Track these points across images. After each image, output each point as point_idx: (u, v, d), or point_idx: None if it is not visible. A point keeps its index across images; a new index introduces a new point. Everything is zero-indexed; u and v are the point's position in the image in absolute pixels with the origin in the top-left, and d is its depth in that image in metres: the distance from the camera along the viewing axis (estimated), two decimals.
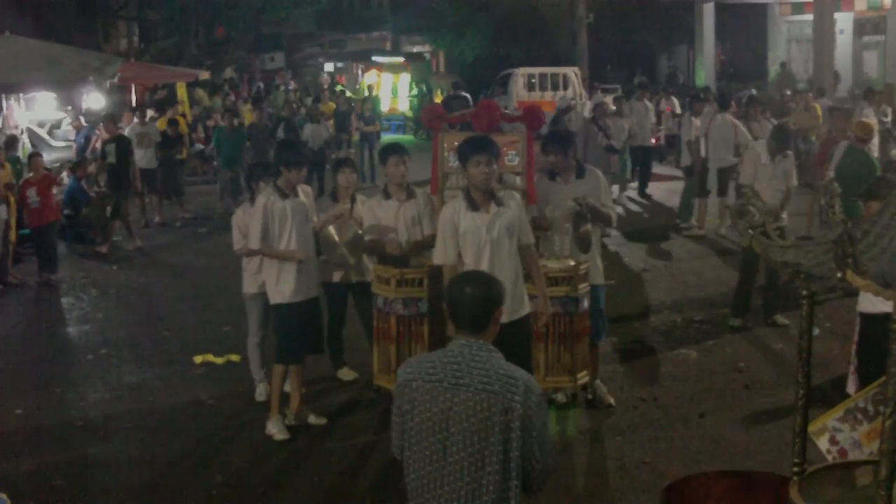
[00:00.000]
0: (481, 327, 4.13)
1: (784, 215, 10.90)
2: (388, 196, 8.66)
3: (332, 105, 26.34)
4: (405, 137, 34.15)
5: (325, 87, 36.77)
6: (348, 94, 35.25)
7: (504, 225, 6.95)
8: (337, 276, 9.13)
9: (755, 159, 11.15)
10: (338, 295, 9.29)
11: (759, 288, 11.16)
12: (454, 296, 4.22)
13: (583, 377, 8.22)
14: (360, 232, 8.69)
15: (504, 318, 6.92)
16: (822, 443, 5.27)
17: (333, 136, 22.90)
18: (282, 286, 8.09)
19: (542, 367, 7.90)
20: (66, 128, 24.29)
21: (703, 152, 16.33)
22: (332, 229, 8.55)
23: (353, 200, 9.08)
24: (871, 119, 14.80)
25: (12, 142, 17.24)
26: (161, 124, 21.83)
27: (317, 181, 19.57)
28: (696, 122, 16.77)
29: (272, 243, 8.03)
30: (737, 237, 14.23)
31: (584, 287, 7.99)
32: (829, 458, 5.38)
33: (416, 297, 8.11)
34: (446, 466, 3.97)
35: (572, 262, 8.03)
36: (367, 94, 35.24)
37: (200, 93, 33.50)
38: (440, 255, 7.16)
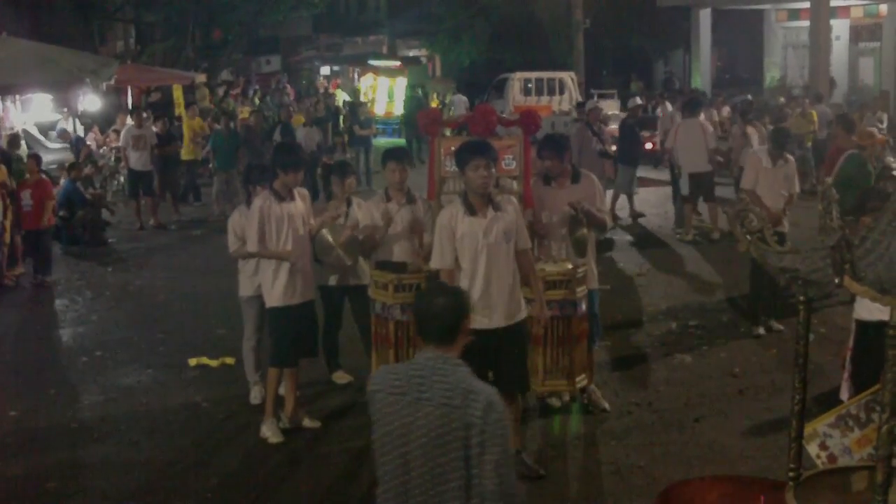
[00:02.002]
0: (449, 340, 4.09)
1: (785, 222, 10.89)
2: (388, 199, 8.64)
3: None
4: (400, 141, 34.15)
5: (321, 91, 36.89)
6: (346, 97, 35.31)
7: (501, 229, 6.95)
8: (333, 280, 9.12)
9: (756, 165, 11.08)
10: (334, 298, 9.29)
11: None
12: (422, 308, 4.18)
13: (581, 380, 8.22)
14: (355, 234, 8.68)
15: (501, 323, 7.00)
16: (812, 448, 5.28)
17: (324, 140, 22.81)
18: (277, 289, 8.09)
19: (541, 371, 7.91)
20: (61, 128, 24.29)
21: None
22: (327, 232, 8.54)
23: (349, 203, 9.08)
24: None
25: (13, 141, 17.22)
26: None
27: (310, 184, 19.52)
28: None
29: (268, 246, 8.03)
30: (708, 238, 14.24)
31: (581, 290, 7.99)
32: (819, 463, 5.39)
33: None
34: (410, 481, 3.97)
35: (570, 266, 8.03)
36: (361, 98, 35.30)
37: (205, 91, 33.56)
38: (437, 260, 7.16)
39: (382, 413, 4.04)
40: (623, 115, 27.47)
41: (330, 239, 8.50)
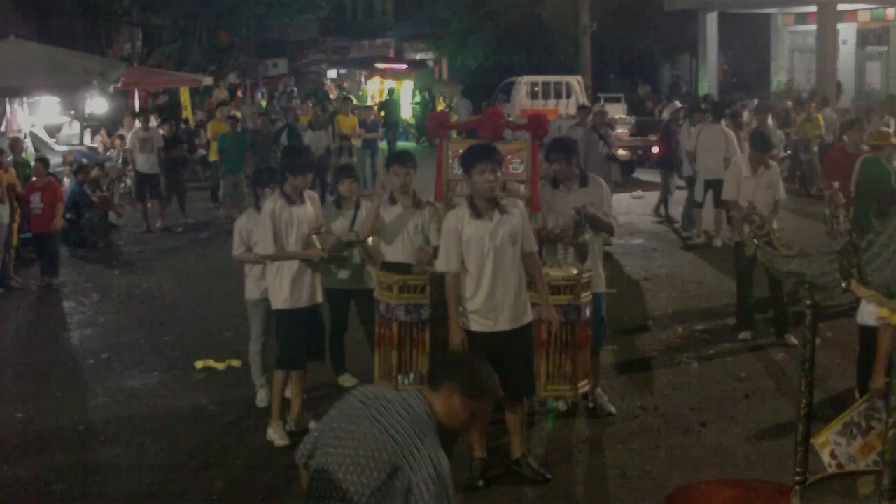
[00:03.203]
0: (433, 384, 4.04)
1: (775, 226, 10.74)
2: (392, 202, 8.62)
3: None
4: (408, 144, 34.18)
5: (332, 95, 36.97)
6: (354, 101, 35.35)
7: (507, 233, 6.96)
8: (338, 283, 9.12)
9: (737, 174, 10.95)
10: (340, 301, 9.29)
11: (762, 300, 11.13)
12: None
13: (584, 386, 8.19)
14: (339, 240, 8.61)
15: (506, 326, 7.02)
16: (825, 456, 5.30)
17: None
18: (284, 292, 8.09)
19: (544, 376, 7.88)
20: (69, 131, 24.35)
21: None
22: (316, 241, 8.46)
23: (356, 207, 9.09)
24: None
25: (15, 145, 17.24)
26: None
27: (319, 188, 19.52)
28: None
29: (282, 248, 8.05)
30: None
31: (586, 296, 7.96)
32: (830, 470, 5.39)
33: (419, 304, 8.07)
34: (314, 482, 3.97)
35: (575, 271, 8.02)
36: (368, 101, 35.35)
37: (225, 92, 33.78)
38: (443, 263, 7.16)
39: (337, 410, 4.06)
40: (629, 118, 27.54)
41: (318, 245, 8.43)
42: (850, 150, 12.92)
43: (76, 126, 24.60)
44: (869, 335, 7.37)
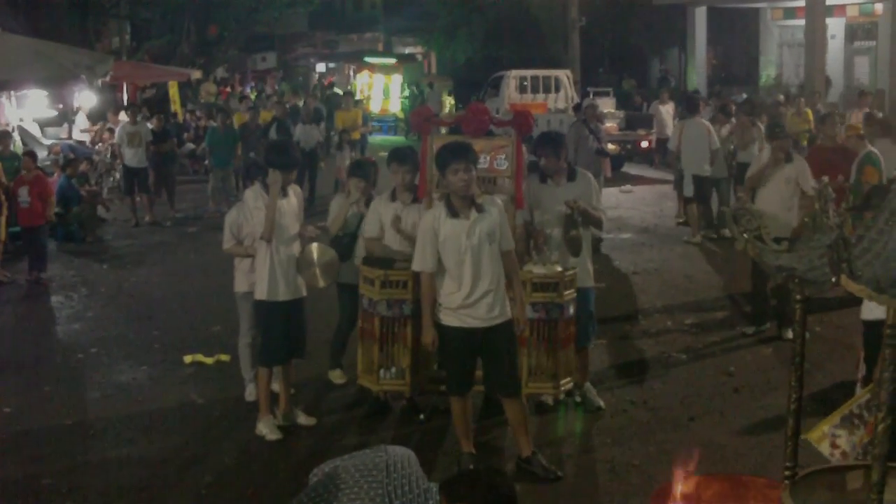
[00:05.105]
0: (450, 499, 3.70)
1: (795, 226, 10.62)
2: (393, 198, 8.60)
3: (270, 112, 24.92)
4: (396, 139, 34.20)
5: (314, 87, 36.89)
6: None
7: (484, 231, 6.94)
8: (356, 278, 9.02)
9: (760, 163, 10.95)
10: (353, 296, 9.23)
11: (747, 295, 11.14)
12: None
13: (566, 384, 8.14)
14: (336, 259, 8.59)
15: (486, 324, 7.01)
16: (824, 448, 5.29)
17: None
18: (263, 283, 8.06)
19: (525, 372, 7.85)
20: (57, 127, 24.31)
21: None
22: (315, 248, 8.43)
23: (367, 204, 9.06)
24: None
25: (3, 137, 17.17)
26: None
27: (308, 183, 19.46)
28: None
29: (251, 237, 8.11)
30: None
31: (569, 293, 7.91)
32: (833, 461, 5.38)
33: (401, 299, 8.05)
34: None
35: (559, 268, 7.98)
36: (357, 95, 35.31)
37: (212, 87, 33.68)
38: (419, 262, 7.14)
39: (362, 460, 4.00)
40: (619, 112, 27.57)
41: (315, 255, 8.40)
42: (827, 144, 12.91)
43: (82, 120, 24.53)
44: (870, 329, 7.33)
